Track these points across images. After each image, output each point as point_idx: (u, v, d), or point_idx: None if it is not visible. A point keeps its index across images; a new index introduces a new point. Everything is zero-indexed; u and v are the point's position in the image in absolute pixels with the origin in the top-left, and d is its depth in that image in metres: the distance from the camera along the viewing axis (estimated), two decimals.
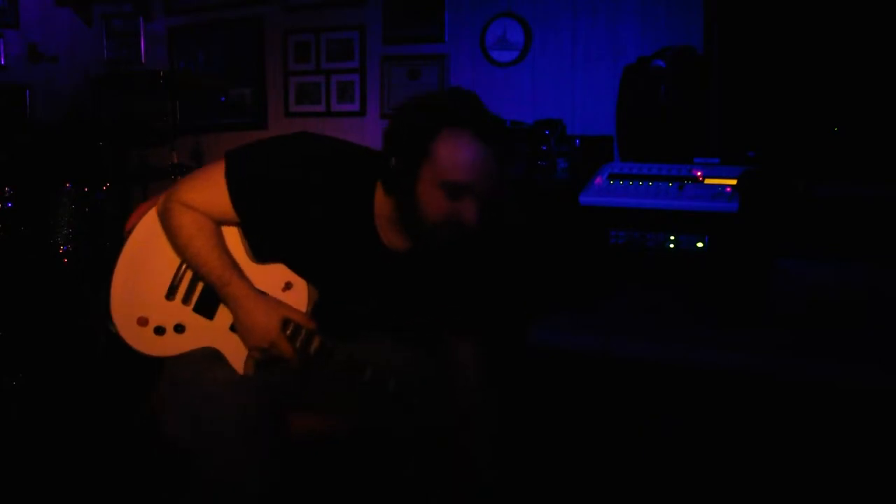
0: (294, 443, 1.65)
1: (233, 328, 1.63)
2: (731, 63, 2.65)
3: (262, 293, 1.59)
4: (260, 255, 1.65)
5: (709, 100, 2.65)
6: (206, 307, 1.66)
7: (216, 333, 1.64)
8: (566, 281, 2.39)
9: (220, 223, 1.61)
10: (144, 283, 1.66)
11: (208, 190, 1.57)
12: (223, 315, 1.64)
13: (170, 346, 1.64)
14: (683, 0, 3.04)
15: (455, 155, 1.43)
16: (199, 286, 1.66)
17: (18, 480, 2.25)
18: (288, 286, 1.62)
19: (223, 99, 4.18)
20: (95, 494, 2.20)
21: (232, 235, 1.65)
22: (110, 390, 2.68)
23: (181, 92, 3.65)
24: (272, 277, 1.63)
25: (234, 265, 1.60)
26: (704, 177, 2.31)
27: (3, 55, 4.53)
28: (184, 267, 1.65)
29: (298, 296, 1.62)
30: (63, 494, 2.21)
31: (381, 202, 1.56)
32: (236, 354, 1.61)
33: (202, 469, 1.46)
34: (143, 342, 1.64)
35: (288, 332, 1.58)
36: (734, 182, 2.23)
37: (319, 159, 1.56)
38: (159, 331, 1.64)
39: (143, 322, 1.64)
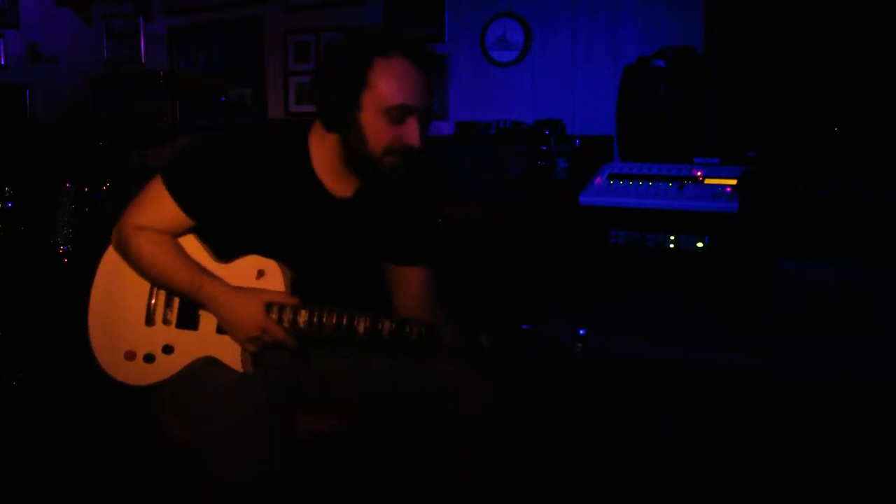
0: (295, 443, 1.64)
1: (220, 331, 1.63)
2: (731, 63, 2.66)
3: (238, 287, 1.60)
4: (223, 251, 1.65)
5: (709, 100, 2.66)
6: (188, 320, 1.65)
7: (205, 342, 1.63)
8: (566, 281, 2.40)
9: (176, 234, 1.64)
10: (120, 318, 1.67)
11: (156, 205, 1.61)
12: (207, 322, 1.64)
13: (163, 369, 1.64)
14: (683, 0, 3.04)
15: (393, 80, 1.51)
16: (176, 302, 1.66)
17: (18, 480, 2.25)
18: (261, 274, 1.62)
19: (223, 99, 4.18)
20: (96, 494, 2.20)
21: (190, 245, 1.66)
22: (110, 390, 2.68)
23: (181, 92, 3.65)
24: (242, 271, 1.63)
25: (202, 269, 1.62)
26: (704, 177, 2.31)
27: (3, 55, 4.53)
28: (154, 290, 1.67)
29: (273, 280, 1.62)
30: (63, 494, 2.21)
31: (319, 152, 1.62)
32: (231, 355, 1.61)
33: (204, 470, 1.46)
34: (136, 375, 1.65)
35: (273, 315, 1.58)
36: (734, 182, 2.24)
37: (247, 138, 1.64)
38: (149, 358, 1.65)
39: (130, 356, 1.65)
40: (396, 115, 1.52)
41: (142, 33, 4.47)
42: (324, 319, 1.58)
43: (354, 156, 1.57)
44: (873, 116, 2.41)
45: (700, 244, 2.26)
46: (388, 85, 1.50)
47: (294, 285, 1.63)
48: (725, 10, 2.72)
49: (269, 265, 1.62)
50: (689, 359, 1.84)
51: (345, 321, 1.58)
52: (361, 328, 1.58)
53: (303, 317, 1.59)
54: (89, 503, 2.19)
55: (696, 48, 2.85)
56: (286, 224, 1.63)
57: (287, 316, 1.58)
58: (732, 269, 2.15)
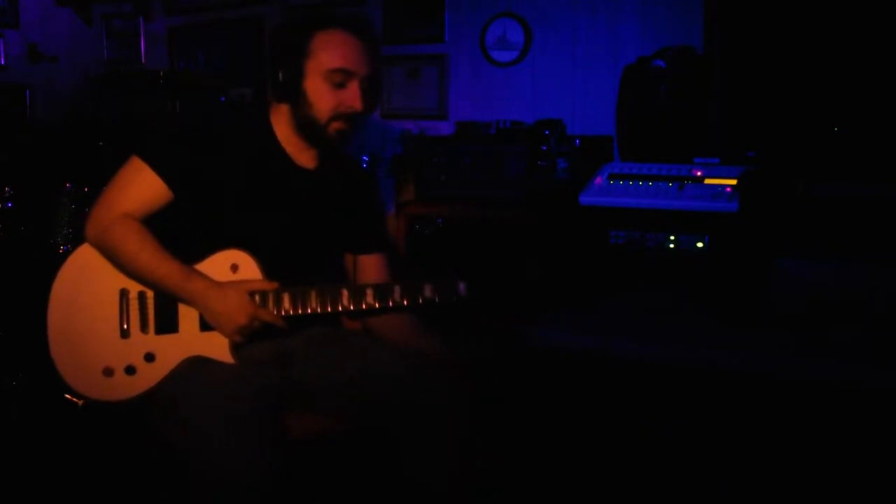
0: (290, 443, 1.64)
1: (203, 328, 1.62)
2: (731, 63, 2.66)
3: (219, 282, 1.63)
4: (193, 249, 1.65)
5: (709, 100, 2.66)
6: (168, 323, 1.63)
7: (189, 342, 1.63)
8: (566, 281, 2.40)
9: (153, 215, 1.64)
10: (90, 336, 1.63)
11: (133, 183, 1.64)
12: (188, 322, 1.63)
13: (147, 378, 1.62)
14: (683, 0, 3.04)
15: (332, 47, 1.62)
16: (151, 308, 1.64)
17: (18, 480, 2.25)
18: (235, 268, 1.64)
19: (223, 99, 4.18)
20: (94, 495, 2.20)
21: None
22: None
23: (181, 92, 3.64)
24: (217, 267, 1.64)
25: (188, 265, 1.62)
26: (704, 177, 2.32)
27: (3, 55, 4.53)
28: (125, 301, 1.64)
29: (249, 270, 1.64)
30: (62, 494, 2.20)
31: (280, 126, 1.71)
32: (220, 349, 1.62)
33: (198, 471, 1.45)
34: (119, 390, 1.62)
35: (257, 301, 1.61)
36: (734, 182, 2.24)
37: (214, 117, 1.77)
38: (130, 371, 1.62)
39: (109, 372, 1.61)
40: (337, 79, 1.62)
41: (142, 33, 4.47)
42: (308, 297, 1.62)
43: (303, 123, 1.67)
44: (873, 116, 2.41)
45: (700, 244, 2.26)
46: (327, 51, 1.62)
47: (268, 266, 1.65)
48: (725, 10, 2.72)
49: (242, 257, 1.65)
50: (689, 359, 1.84)
51: (328, 296, 1.63)
52: (345, 299, 1.63)
53: (286, 300, 1.62)
54: (88, 503, 2.19)
55: (696, 48, 2.85)
56: (258, 191, 1.68)
57: (271, 300, 1.61)
58: (732, 269, 2.15)
